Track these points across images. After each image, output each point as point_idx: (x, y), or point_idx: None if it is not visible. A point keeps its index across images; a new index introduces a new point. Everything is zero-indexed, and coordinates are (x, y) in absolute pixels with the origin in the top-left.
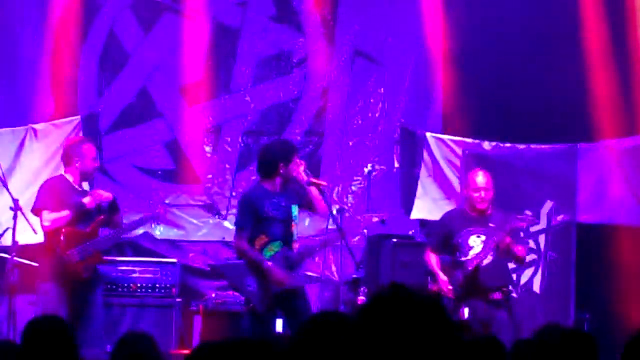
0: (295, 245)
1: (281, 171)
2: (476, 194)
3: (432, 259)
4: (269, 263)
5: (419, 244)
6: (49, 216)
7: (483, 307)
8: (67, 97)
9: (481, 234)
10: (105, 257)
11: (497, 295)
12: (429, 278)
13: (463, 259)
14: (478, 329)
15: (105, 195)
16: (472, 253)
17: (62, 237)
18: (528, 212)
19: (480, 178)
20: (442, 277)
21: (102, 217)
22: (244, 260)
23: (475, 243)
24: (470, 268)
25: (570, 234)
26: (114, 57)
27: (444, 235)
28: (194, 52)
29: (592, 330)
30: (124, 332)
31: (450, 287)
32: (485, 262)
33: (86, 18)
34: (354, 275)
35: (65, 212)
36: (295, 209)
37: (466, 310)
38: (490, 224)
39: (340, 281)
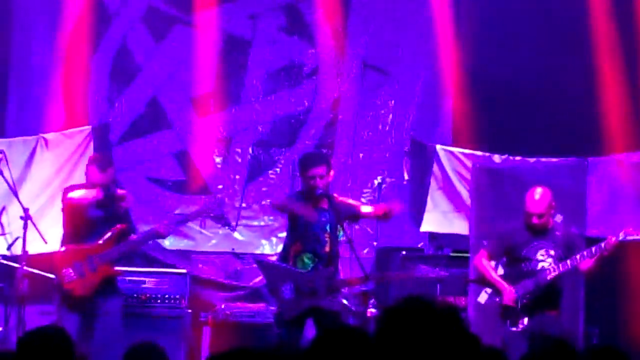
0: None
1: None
2: (529, 218)
3: (489, 267)
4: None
5: (429, 257)
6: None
7: (545, 319)
8: (78, 107)
9: (549, 248)
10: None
11: (554, 312)
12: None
13: (538, 268)
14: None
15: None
16: (541, 265)
17: (60, 252)
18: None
19: (535, 199)
20: (507, 285)
21: (119, 228)
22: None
23: (543, 257)
24: (548, 278)
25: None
26: (125, 68)
27: (507, 247)
28: (204, 63)
29: (601, 344)
30: (133, 343)
31: (515, 296)
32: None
33: (98, 29)
34: (364, 288)
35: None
36: (329, 226)
37: (525, 319)
38: (557, 233)
39: (350, 293)
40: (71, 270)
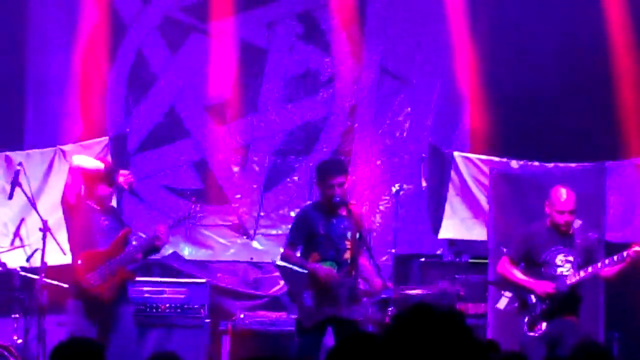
0: (352, 272)
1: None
2: (560, 216)
3: (514, 269)
4: (314, 264)
5: (448, 263)
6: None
7: (563, 325)
8: (96, 118)
9: (569, 253)
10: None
11: (573, 318)
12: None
13: (557, 273)
14: (549, 346)
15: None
16: (560, 271)
17: (79, 261)
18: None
19: (564, 198)
20: (536, 282)
21: (125, 230)
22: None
23: (562, 262)
24: (568, 283)
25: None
26: (141, 77)
27: (527, 251)
28: (221, 72)
29: (622, 349)
30: (154, 352)
31: (554, 284)
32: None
33: (114, 39)
34: (383, 295)
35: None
36: (349, 234)
37: (544, 325)
38: (577, 240)
39: (369, 301)
40: (94, 275)
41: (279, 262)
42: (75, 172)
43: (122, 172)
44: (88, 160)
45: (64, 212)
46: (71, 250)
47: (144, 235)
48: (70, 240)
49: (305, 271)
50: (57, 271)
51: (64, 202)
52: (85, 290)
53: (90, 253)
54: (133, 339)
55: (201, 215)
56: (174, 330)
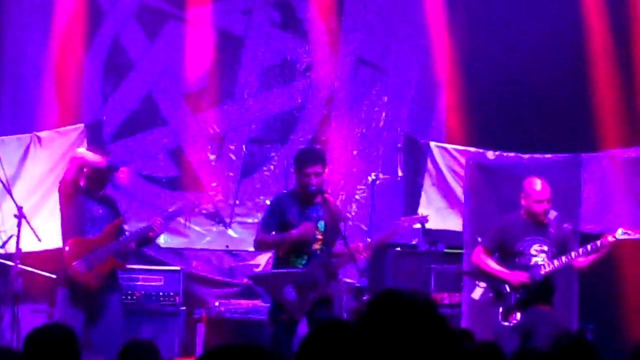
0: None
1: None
2: (539, 205)
3: (489, 260)
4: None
5: (423, 253)
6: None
7: (537, 315)
8: (72, 104)
9: (543, 243)
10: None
11: (547, 308)
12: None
13: (531, 263)
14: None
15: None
16: (534, 261)
17: (67, 248)
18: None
19: (539, 188)
20: (511, 273)
21: (119, 220)
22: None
23: (537, 252)
24: (542, 273)
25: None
26: (118, 64)
27: (501, 240)
28: (198, 60)
29: (595, 340)
30: (129, 339)
31: (527, 274)
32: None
33: (91, 26)
34: (358, 284)
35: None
36: (322, 224)
37: (518, 314)
38: (551, 230)
39: (344, 289)
40: (82, 263)
41: (251, 275)
42: (76, 162)
43: (122, 169)
44: (91, 154)
45: (59, 198)
46: (62, 237)
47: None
48: (62, 226)
49: (284, 242)
50: (32, 258)
51: (61, 190)
52: (71, 278)
53: (79, 240)
54: (118, 328)
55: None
56: (149, 318)
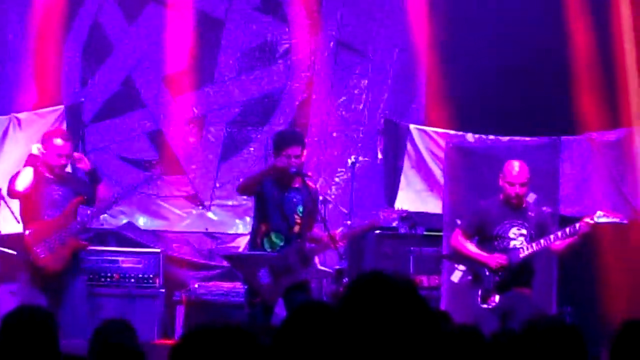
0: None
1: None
2: (511, 188)
3: (468, 243)
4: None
5: (402, 236)
6: (17, 181)
7: (516, 297)
8: (51, 86)
9: (522, 227)
10: (89, 247)
11: (526, 290)
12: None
13: (510, 246)
14: (502, 318)
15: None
16: (513, 244)
17: (27, 232)
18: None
19: (516, 171)
20: (489, 256)
21: (77, 199)
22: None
23: (515, 235)
24: (521, 256)
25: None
26: (98, 47)
27: (480, 223)
28: (178, 42)
29: (574, 323)
30: (104, 319)
31: (505, 256)
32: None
33: (70, 8)
34: (337, 267)
35: (27, 169)
36: (300, 208)
37: (497, 297)
38: (530, 213)
39: (319, 276)
40: (42, 247)
41: (226, 255)
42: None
43: (75, 155)
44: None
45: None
46: (22, 221)
47: None
48: (20, 211)
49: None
50: (10, 240)
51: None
52: (33, 262)
53: (39, 223)
54: (85, 310)
55: (156, 183)
56: (128, 300)
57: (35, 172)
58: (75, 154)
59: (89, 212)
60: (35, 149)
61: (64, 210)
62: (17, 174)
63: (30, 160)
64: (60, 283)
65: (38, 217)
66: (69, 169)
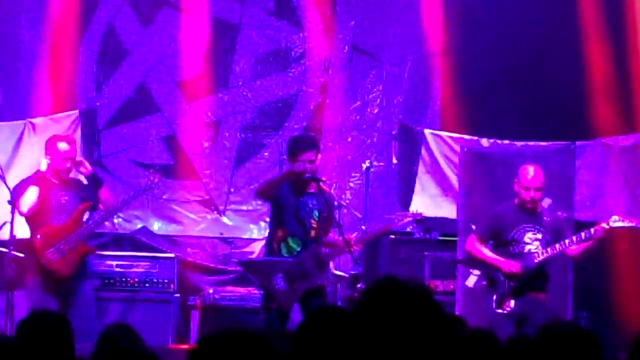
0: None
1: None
2: (526, 193)
3: (483, 247)
4: None
5: (417, 241)
6: (20, 202)
7: (531, 302)
8: (66, 91)
9: (537, 231)
10: (102, 252)
11: (541, 295)
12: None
13: (525, 251)
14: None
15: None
16: (528, 248)
17: (38, 237)
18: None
19: (531, 175)
20: (504, 261)
21: (84, 205)
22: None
23: (530, 240)
24: (536, 261)
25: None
26: (112, 52)
27: (495, 228)
28: (192, 47)
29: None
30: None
31: (520, 264)
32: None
33: (85, 13)
34: (352, 271)
35: (31, 189)
36: (316, 212)
37: (512, 302)
38: (545, 218)
39: (334, 281)
40: (53, 251)
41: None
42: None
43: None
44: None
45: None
46: (29, 226)
47: None
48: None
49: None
50: (18, 244)
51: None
52: (44, 267)
53: (49, 228)
54: (92, 314)
55: (163, 186)
56: (143, 305)
57: (41, 188)
58: (76, 158)
59: (97, 217)
60: (44, 165)
61: (72, 215)
62: (23, 187)
63: (37, 178)
64: (69, 287)
65: (47, 222)
66: (72, 175)
